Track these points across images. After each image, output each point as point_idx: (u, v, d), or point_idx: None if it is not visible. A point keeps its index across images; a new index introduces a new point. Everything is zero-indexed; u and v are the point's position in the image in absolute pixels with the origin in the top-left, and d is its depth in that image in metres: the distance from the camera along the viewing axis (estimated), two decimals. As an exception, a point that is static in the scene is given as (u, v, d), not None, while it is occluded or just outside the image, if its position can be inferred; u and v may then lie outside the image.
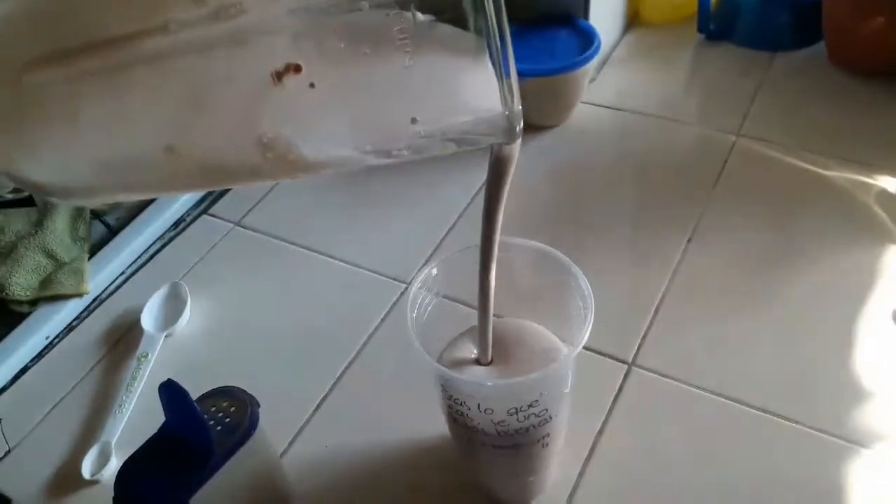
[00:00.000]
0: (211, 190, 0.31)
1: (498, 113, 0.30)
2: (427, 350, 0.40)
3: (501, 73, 0.29)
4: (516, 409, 0.40)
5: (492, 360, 0.44)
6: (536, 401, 0.40)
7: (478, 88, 0.30)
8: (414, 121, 0.30)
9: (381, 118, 0.31)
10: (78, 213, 0.72)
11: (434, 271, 0.44)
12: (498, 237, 0.38)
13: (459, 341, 0.47)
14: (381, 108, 0.31)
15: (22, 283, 0.67)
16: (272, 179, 0.30)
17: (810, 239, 0.63)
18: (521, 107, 0.31)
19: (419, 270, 0.65)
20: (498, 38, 0.29)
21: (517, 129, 0.32)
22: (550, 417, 0.42)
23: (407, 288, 0.65)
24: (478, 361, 0.45)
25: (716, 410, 0.53)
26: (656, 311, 0.60)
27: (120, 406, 0.59)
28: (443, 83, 0.30)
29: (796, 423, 0.52)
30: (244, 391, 0.47)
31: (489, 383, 0.38)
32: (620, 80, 0.82)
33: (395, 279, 0.66)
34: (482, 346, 0.44)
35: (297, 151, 0.30)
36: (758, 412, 0.53)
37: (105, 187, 0.35)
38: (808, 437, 0.51)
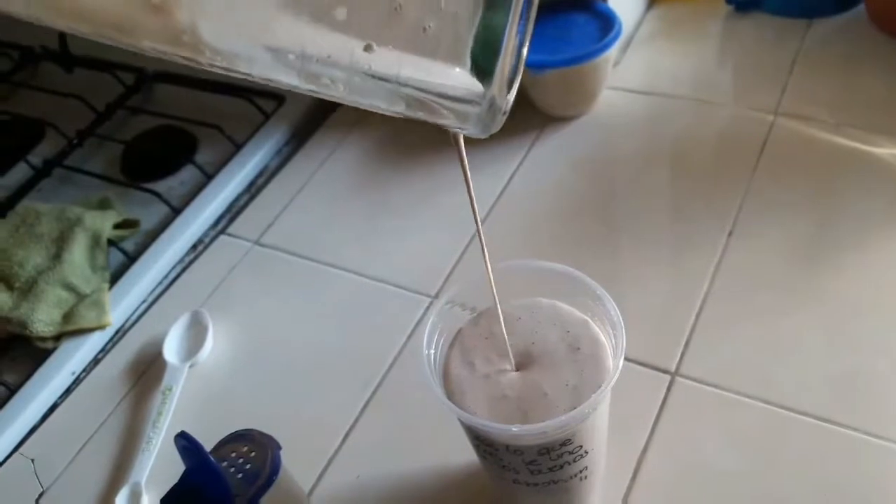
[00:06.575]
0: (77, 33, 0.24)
1: (475, 93, 0.23)
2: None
3: (510, 43, 0.23)
4: (547, 448, 0.37)
5: (518, 368, 0.40)
6: (569, 440, 0.37)
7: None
8: (369, 48, 0.23)
9: (325, 26, 0.23)
10: (95, 242, 0.71)
11: (447, 304, 0.41)
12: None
13: (472, 340, 0.42)
14: (331, 11, 0.23)
15: (44, 320, 0.66)
16: (169, 51, 0.24)
17: (860, 225, 0.58)
18: (511, 101, 0.24)
19: (444, 283, 0.63)
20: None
21: (496, 122, 0.24)
22: (586, 452, 0.39)
23: (432, 303, 0.62)
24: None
25: (768, 420, 0.50)
26: (699, 314, 0.56)
27: (147, 443, 0.57)
28: (428, 21, 0.23)
29: (855, 430, 0.48)
30: (264, 434, 0.46)
31: (514, 429, 0.35)
32: (647, 61, 0.77)
33: (419, 293, 0.63)
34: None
35: (194, 30, 0.23)
36: (813, 420, 0.49)
37: None
38: (868, 446, 0.47)
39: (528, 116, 0.73)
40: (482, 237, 0.36)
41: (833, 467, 0.47)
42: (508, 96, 0.24)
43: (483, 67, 0.23)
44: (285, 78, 0.24)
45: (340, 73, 0.24)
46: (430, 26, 0.23)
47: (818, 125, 0.66)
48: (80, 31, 0.24)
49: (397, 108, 0.25)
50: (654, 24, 0.81)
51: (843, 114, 0.67)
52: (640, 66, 0.77)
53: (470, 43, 0.23)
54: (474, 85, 0.24)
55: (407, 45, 0.23)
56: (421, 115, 0.25)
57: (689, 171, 0.66)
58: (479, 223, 0.36)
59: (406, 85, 0.24)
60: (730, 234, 0.60)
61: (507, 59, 0.23)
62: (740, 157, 0.66)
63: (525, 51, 0.24)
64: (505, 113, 0.25)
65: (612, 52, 0.69)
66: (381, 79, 0.24)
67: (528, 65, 0.68)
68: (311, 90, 0.25)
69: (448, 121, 0.25)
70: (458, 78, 0.24)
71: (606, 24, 0.70)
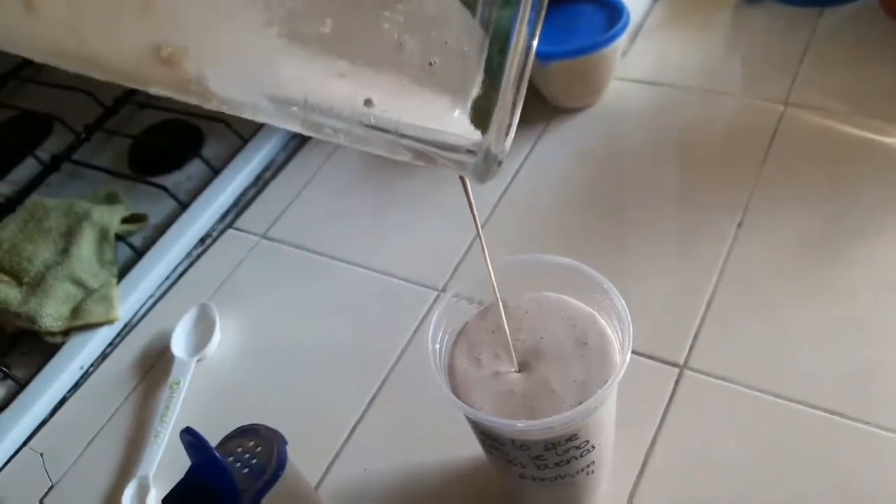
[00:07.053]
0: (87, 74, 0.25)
1: (472, 142, 0.24)
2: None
3: (506, 97, 0.23)
4: (554, 443, 0.37)
5: (525, 362, 0.40)
6: (576, 435, 0.36)
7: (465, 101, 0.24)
8: (368, 103, 0.24)
9: (327, 79, 0.24)
10: (103, 236, 0.71)
11: (454, 298, 0.41)
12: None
13: (478, 335, 0.42)
14: (333, 67, 0.23)
15: (53, 314, 0.66)
16: (177, 97, 0.25)
17: (872, 216, 0.58)
18: (507, 148, 0.25)
19: (451, 277, 0.63)
20: (522, 54, 0.23)
21: (490, 172, 0.25)
22: (593, 447, 0.39)
23: (438, 296, 0.62)
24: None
25: (779, 414, 0.49)
26: (708, 306, 0.55)
27: (155, 437, 0.57)
28: (433, 56, 0.24)
29: (867, 423, 0.48)
30: (270, 429, 0.45)
31: (520, 425, 0.34)
32: (655, 51, 0.77)
33: (426, 286, 0.63)
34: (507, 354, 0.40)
35: (200, 80, 0.24)
36: (824, 414, 0.49)
37: None
38: (880, 440, 0.47)
39: (536, 108, 0.73)
40: (484, 244, 0.36)
41: (844, 461, 0.47)
42: (504, 144, 0.25)
43: (481, 112, 0.24)
44: (289, 126, 0.25)
45: (342, 123, 0.24)
46: (435, 61, 0.23)
47: (829, 115, 0.66)
48: (91, 75, 0.25)
49: (400, 157, 0.25)
50: (663, 14, 0.81)
51: (854, 103, 0.66)
52: (649, 57, 0.76)
53: (477, 78, 0.24)
54: (472, 134, 0.24)
55: (412, 81, 0.24)
56: (421, 163, 0.26)
57: (698, 162, 0.66)
58: (480, 230, 0.35)
59: (405, 136, 0.25)
60: (739, 225, 0.60)
61: (505, 105, 0.24)
62: (750, 147, 0.65)
63: (522, 96, 0.24)
64: (500, 163, 0.25)
65: (621, 42, 0.69)
66: (381, 130, 0.24)
67: (536, 55, 0.67)
68: (304, 133, 0.26)
69: (446, 169, 0.26)
70: (457, 125, 0.24)
71: (614, 14, 0.69)
